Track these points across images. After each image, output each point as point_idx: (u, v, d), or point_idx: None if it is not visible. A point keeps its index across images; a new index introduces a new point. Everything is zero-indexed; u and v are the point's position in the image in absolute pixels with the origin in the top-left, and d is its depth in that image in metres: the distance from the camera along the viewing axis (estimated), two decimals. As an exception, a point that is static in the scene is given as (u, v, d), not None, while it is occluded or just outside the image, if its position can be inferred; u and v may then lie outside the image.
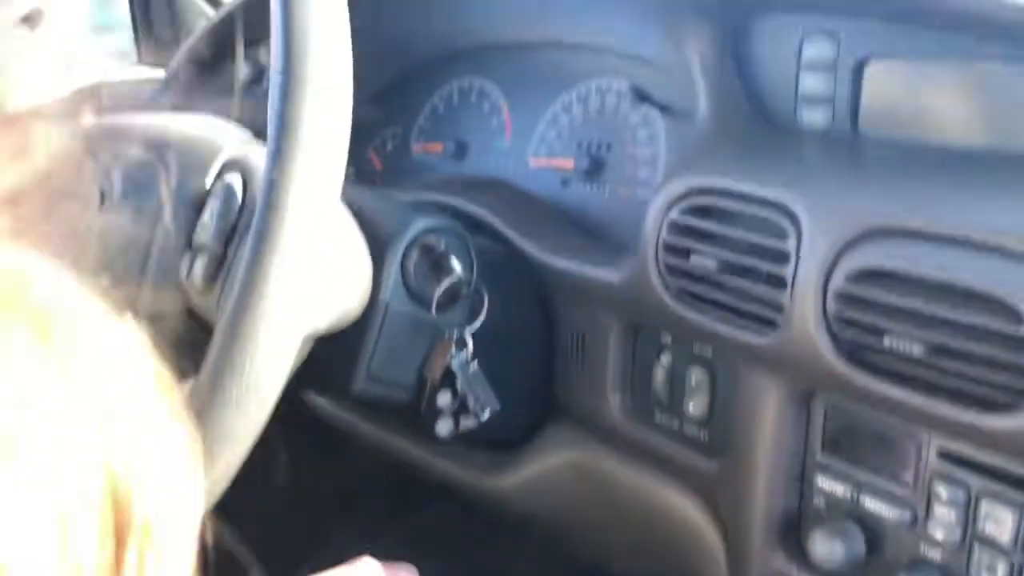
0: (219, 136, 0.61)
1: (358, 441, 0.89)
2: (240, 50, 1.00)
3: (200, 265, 0.54)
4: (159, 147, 0.59)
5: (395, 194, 0.79)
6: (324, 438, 0.94)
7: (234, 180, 0.56)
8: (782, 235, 0.54)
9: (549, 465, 0.76)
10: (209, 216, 0.55)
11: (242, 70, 0.99)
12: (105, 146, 0.61)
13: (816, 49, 0.60)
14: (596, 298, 0.70)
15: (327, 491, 1.06)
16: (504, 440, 0.78)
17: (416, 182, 0.91)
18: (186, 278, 0.55)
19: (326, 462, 1.04)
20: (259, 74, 0.99)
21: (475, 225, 0.77)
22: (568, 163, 0.83)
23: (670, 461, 0.68)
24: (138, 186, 0.58)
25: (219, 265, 0.54)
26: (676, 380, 0.67)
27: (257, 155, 0.59)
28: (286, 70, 0.47)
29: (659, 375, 0.67)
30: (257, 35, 0.97)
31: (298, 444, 0.95)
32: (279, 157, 0.47)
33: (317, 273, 0.48)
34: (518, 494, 0.78)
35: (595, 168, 0.81)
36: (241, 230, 0.54)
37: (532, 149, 0.87)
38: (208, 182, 0.58)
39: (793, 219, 0.53)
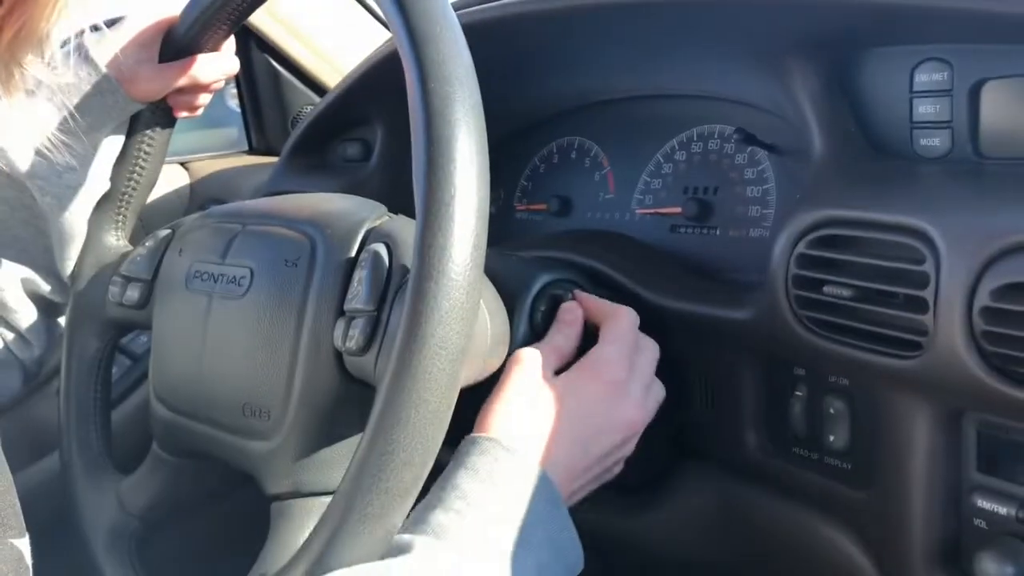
0: (360, 209, 0.64)
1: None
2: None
3: (357, 329, 0.57)
4: (306, 223, 0.63)
5: (516, 252, 0.81)
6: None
7: (380, 249, 0.59)
8: (919, 259, 0.55)
9: (685, 505, 0.76)
10: (359, 283, 0.59)
11: (351, 150, 1.04)
12: (255, 225, 0.66)
13: (929, 76, 0.62)
14: (724, 338, 0.71)
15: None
16: (636, 483, 0.79)
17: (523, 241, 0.94)
18: (342, 342, 0.58)
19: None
20: (367, 152, 1.04)
21: (590, 277, 0.79)
22: (676, 209, 0.85)
23: (813, 493, 0.68)
24: (288, 261, 0.62)
25: (375, 328, 0.57)
26: (813, 412, 0.67)
27: (398, 225, 0.62)
28: (431, 145, 0.50)
29: (795, 408, 0.68)
30: (362, 117, 1.03)
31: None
32: (432, 223, 0.50)
33: (470, 328, 0.51)
34: (655, 536, 0.79)
35: (704, 212, 0.83)
36: (392, 294, 0.58)
37: (637, 199, 0.90)
38: (354, 252, 0.61)
39: (929, 242, 0.54)
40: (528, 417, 0.59)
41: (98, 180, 0.75)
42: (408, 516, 0.52)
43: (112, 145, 0.76)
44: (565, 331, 0.67)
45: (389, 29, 0.54)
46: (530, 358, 0.62)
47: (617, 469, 0.65)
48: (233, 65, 0.75)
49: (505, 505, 0.54)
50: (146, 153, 0.77)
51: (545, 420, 0.59)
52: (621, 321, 0.66)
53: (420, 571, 0.49)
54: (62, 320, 0.82)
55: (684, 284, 0.77)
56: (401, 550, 0.51)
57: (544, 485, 0.56)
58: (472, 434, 0.58)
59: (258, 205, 0.70)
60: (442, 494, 0.54)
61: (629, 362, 0.64)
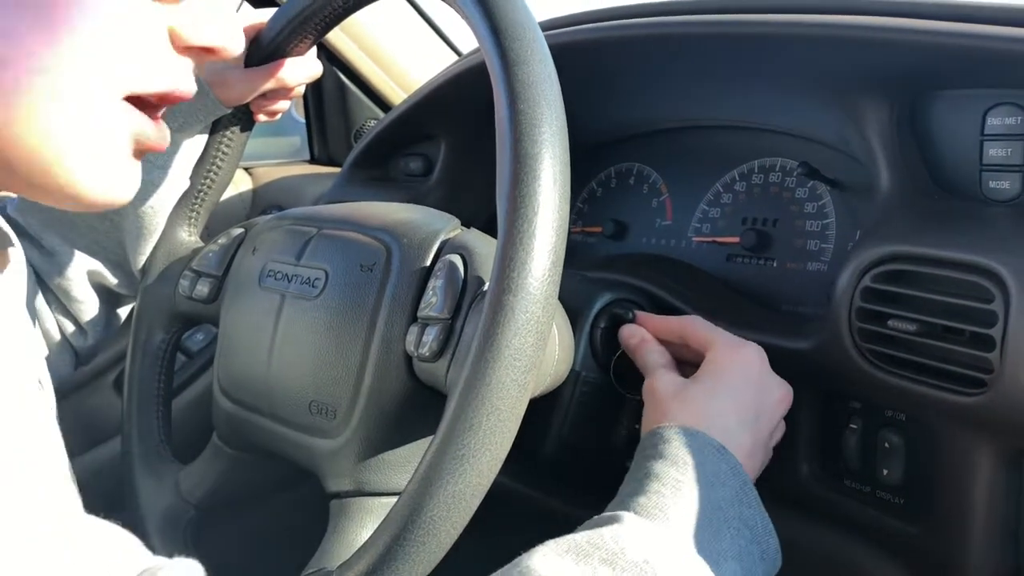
0: (435, 221, 0.66)
1: (531, 511, 0.91)
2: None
3: (431, 336, 0.58)
4: (382, 230, 0.65)
5: (577, 271, 0.83)
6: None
7: (456, 259, 0.61)
8: (988, 298, 0.55)
9: (734, 533, 0.76)
10: (434, 291, 0.60)
11: (413, 165, 1.06)
12: (331, 229, 0.68)
13: (1001, 120, 0.63)
14: (782, 368, 0.71)
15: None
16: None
17: (581, 262, 0.96)
18: (414, 348, 0.59)
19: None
20: (428, 168, 1.06)
21: (648, 299, 0.80)
22: (733, 239, 0.86)
23: (864, 526, 0.68)
24: (363, 266, 0.64)
25: (449, 336, 0.59)
26: (868, 445, 0.68)
27: (472, 237, 0.64)
28: (518, 163, 0.52)
29: (850, 441, 0.68)
30: (426, 133, 1.05)
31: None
32: (515, 237, 0.51)
33: (543, 342, 0.52)
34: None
35: (762, 243, 0.84)
36: (467, 304, 0.59)
37: (694, 227, 0.91)
38: (429, 261, 0.63)
39: (999, 282, 0.55)
40: (692, 409, 0.61)
41: (179, 179, 0.78)
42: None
43: (193, 146, 0.78)
44: (646, 349, 0.68)
45: (480, 49, 0.56)
46: (659, 378, 0.65)
47: (769, 457, 0.66)
48: (318, 69, 0.78)
49: (698, 484, 0.55)
50: (224, 154, 0.80)
51: (709, 410, 0.61)
52: (705, 323, 0.68)
53: (632, 538, 0.50)
54: (121, 312, 0.84)
55: (742, 312, 0.78)
56: (611, 521, 0.52)
57: (728, 461, 0.57)
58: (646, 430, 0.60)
59: (334, 210, 0.72)
60: (635, 484, 0.56)
61: (748, 347, 0.65)
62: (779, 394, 0.65)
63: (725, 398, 0.61)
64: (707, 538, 0.53)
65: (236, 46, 0.50)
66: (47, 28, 0.40)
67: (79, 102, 0.42)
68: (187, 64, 0.48)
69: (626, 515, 0.52)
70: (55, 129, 0.41)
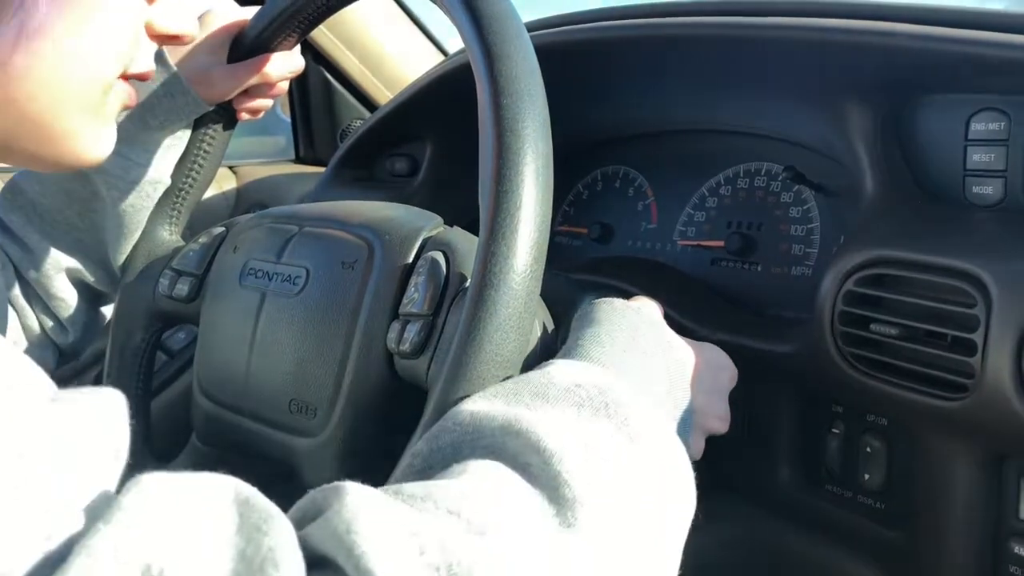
0: (417, 218, 0.66)
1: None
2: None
3: (412, 332, 0.58)
4: (364, 227, 0.65)
5: (560, 272, 0.82)
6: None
7: (438, 256, 0.61)
8: (970, 303, 0.55)
9: (714, 536, 0.76)
10: (415, 288, 0.60)
11: (399, 165, 1.06)
12: (313, 227, 0.67)
13: (985, 125, 0.63)
14: (764, 371, 0.71)
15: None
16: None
17: (563, 264, 0.95)
18: (396, 344, 0.59)
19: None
20: (414, 168, 1.06)
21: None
22: (718, 243, 0.86)
23: (844, 531, 0.68)
24: (345, 263, 0.63)
25: (430, 332, 0.58)
26: (849, 450, 0.68)
27: (455, 235, 0.64)
28: (501, 157, 0.51)
29: (832, 445, 0.68)
30: (412, 133, 1.05)
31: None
32: (497, 232, 0.51)
33: (525, 338, 0.52)
34: (683, 566, 0.79)
35: (746, 247, 0.84)
36: (449, 300, 0.59)
37: (679, 230, 0.91)
38: (411, 258, 0.62)
39: (981, 287, 0.55)
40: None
41: (161, 177, 0.77)
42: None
43: (175, 144, 0.77)
44: None
45: (464, 45, 0.56)
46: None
47: (719, 424, 0.61)
48: (299, 63, 0.77)
49: (621, 333, 0.55)
50: (206, 152, 0.79)
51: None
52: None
53: (560, 370, 0.49)
54: (104, 310, 0.84)
55: (726, 316, 0.78)
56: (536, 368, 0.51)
57: (660, 332, 0.57)
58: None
59: (315, 208, 0.71)
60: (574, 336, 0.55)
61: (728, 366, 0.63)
62: (720, 411, 0.60)
63: (679, 351, 0.58)
64: (635, 369, 0.53)
65: (195, 31, 0.60)
66: (74, 24, 0.48)
67: (95, 83, 0.51)
68: (153, 49, 0.59)
69: (550, 361, 0.51)
70: (77, 105, 0.50)
